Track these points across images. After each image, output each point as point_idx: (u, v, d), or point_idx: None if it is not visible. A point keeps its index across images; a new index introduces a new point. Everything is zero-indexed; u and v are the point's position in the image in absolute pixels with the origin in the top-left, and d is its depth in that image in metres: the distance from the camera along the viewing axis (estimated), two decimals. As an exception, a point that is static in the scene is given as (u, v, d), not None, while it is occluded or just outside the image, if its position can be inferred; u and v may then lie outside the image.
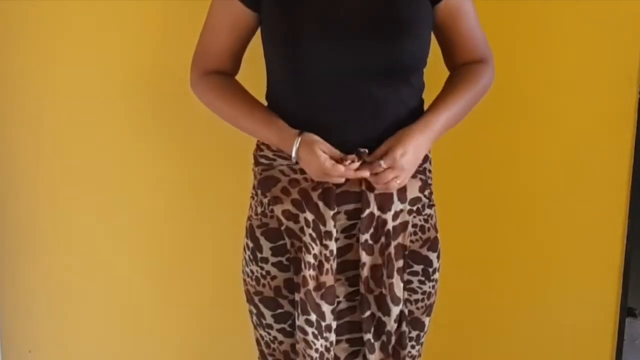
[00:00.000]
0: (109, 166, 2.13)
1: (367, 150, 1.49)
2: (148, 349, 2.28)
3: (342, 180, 1.49)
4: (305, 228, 1.54)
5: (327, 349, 1.59)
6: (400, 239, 1.56)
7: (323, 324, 1.57)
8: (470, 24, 1.60)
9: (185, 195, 2.15)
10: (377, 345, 1.59)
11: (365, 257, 1.55)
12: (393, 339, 1.58)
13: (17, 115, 2.10)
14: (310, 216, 1.53)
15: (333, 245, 1.53)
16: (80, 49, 2.04)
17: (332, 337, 1.59)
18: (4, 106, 2.09)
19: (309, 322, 1.56)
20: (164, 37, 2.01)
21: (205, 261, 2.20)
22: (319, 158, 1.46)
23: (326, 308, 1.56)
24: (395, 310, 1.57)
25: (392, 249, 1.55)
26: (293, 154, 1.49)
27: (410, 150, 1.48)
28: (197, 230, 2.17)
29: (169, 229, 2.18)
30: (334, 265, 1.54)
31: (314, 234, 1.53)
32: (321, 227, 1.53)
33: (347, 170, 1.46)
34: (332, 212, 1.52)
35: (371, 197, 1.52)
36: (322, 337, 1.57)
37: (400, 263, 1.57)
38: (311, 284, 1.54)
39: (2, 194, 2.16)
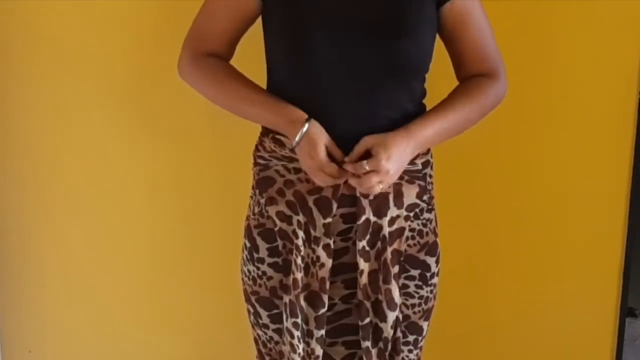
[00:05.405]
0: (108, 166, 2.12)
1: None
2: (148, 349, 2.28)
3: (330, 183, 1.47)
4: (297, 230, 1.53)
5: (309, 355, 1.58)
6: (396, 245, 1.55)
7: (305, 328, 1.56)
8: (481, 32, 1.55)
9: (185, 194, 2.15)
10: (374, 352, 1.58)
11: (363, 264, 1.53)
12: (389, 345, 1.57)
13: (15, 116, 2.10)
14: (303, 219, 1.53)
15: (320, 252, 1.52)
16: (78, 49, 2.03)
17: (314, 344, 1.57)
18: (3, 106, 2.10)
19: (295, 325, 1.56)
20: (163, 37, 2.00)
21: (205, 260, 2.20)
22: (319, 155, 1.44)
23: (310, 312, 1.55)
24: (392, 316, 1.55)
25: (388, 255, 1.53)
26: (297, 138, 1.46)
27: (395, 155, 1.44)
28: (197, 229, 2.17)
29: (169, 228, 2.18)
30: (321, 273, 1.53)
31: (304, 237, 1.53)
32: (311, 230, 1.52)
33: (341, 173, 1.46)
34: (324, 221, 1.51)
35: (366, 202, 1.51)
36: (304, 342, 1.57)
37: (396, 269, 1.56)
38: (299, 287, 1.54)
39: (2, 195, 2.16)
